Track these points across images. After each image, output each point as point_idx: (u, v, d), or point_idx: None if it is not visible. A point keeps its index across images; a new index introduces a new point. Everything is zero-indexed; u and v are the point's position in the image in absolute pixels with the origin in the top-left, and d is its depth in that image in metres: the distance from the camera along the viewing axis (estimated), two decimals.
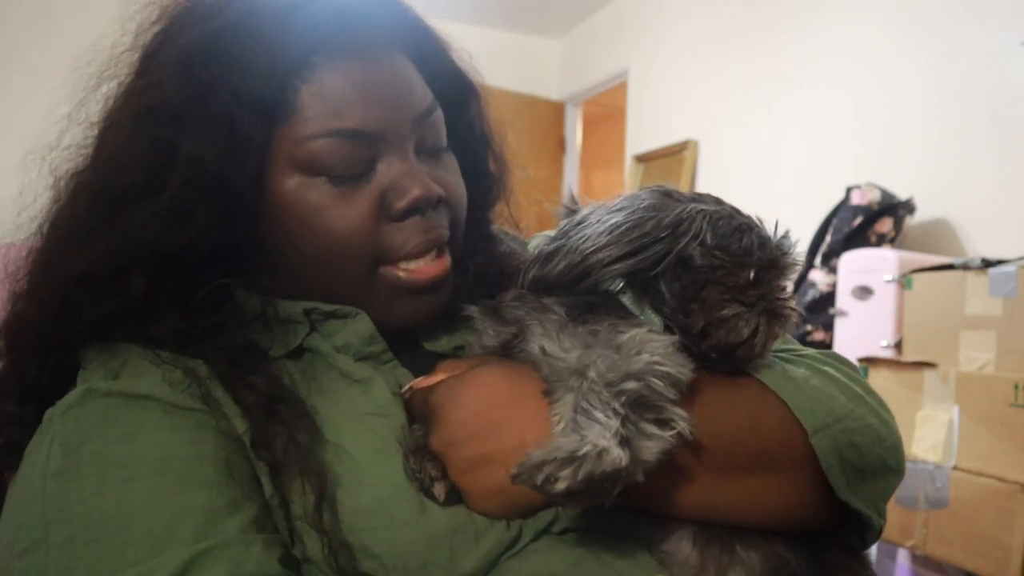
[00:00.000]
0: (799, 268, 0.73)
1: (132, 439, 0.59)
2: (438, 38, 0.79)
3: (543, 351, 0.63)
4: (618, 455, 0.53)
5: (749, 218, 0.70)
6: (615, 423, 0.54)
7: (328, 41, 0.67)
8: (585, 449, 0.53)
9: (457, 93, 0.80)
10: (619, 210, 0.67)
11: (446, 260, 0.72)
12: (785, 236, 0.71)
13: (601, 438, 0.54)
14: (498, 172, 0.86)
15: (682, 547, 0.63)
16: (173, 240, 0.65)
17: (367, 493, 0.61)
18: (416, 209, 0.69)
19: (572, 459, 0.53)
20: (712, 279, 0.66)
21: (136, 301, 0.66)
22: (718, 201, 0.70)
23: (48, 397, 0.65)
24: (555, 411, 0.59)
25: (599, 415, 0.55)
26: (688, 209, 0.67)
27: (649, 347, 0.60)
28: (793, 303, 0.70)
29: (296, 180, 0.67)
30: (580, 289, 0.66)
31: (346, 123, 0.67)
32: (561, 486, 0.53)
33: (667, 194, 0.68)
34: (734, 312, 0.66)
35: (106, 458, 0.58)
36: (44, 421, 0.62)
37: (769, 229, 0.70)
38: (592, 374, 0.57)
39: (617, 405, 0.55)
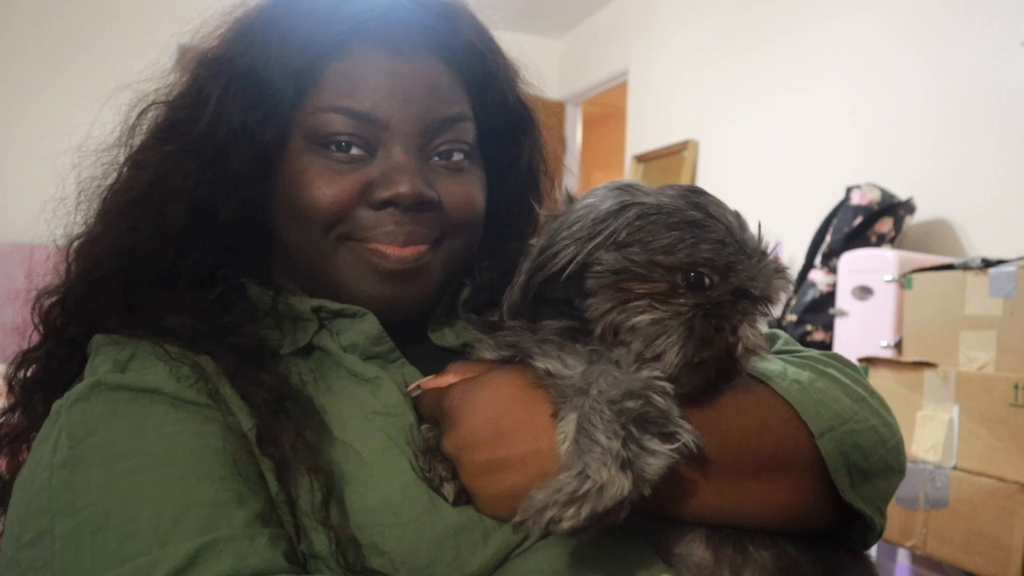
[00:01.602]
0: (781, 277, 0.63)
1: (139, 432, 0.60)
2: (497, 66, 0.79)
3: (548, 372, 0.63)
4: (619, 486, 0.53)
5: (715, 214, 0.62)
6: (616, 445, 0.54)
7: (368, 31, 0.70)
8: (586, 487, 0.53)
9: (509, 123, 0.80)
10: (569, 213, 0.65)
11: (416, 250, 0.71)
12: (760, 237, 0.62)
13: (602, 467, 0.53)
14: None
15: (695, 549, 0.63)
16: (202, 179, 0.69)
17: (375, 491, 0.62)
18: (394, 203, 0.69)
19: (573, 499, 0.53)
20: (610, 283, 0.62)
21: (173, 232, 0.69)
22: (686, 193, 0.64)
23: (56, 386, 0.66)
24: (560, 429, 0.59)
25: (600, 436, 0.55)
26: (609, 206, 0.62)
27: (649, 363, 0.59)
28: (747, 325, 0.60)
29: (301, 145, 0.71)
30: (535, 301, 0.66)
31: (356, 104, 0.69)
32: (566, 525, 0.53)
33: (621, 189, 0.64)
34: (651, 318, 0.60)
35: (112, 450, 0.58)
36: (52, 412, 0.63)
37: (748, 228, 0.63)
38: (594, 392, 0.58)
39: (618, 426, 0.55)
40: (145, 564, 0.53)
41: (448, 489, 0.63)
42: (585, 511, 0.52)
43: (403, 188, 0.69)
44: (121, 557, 0.53)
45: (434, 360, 0.73)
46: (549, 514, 0.53)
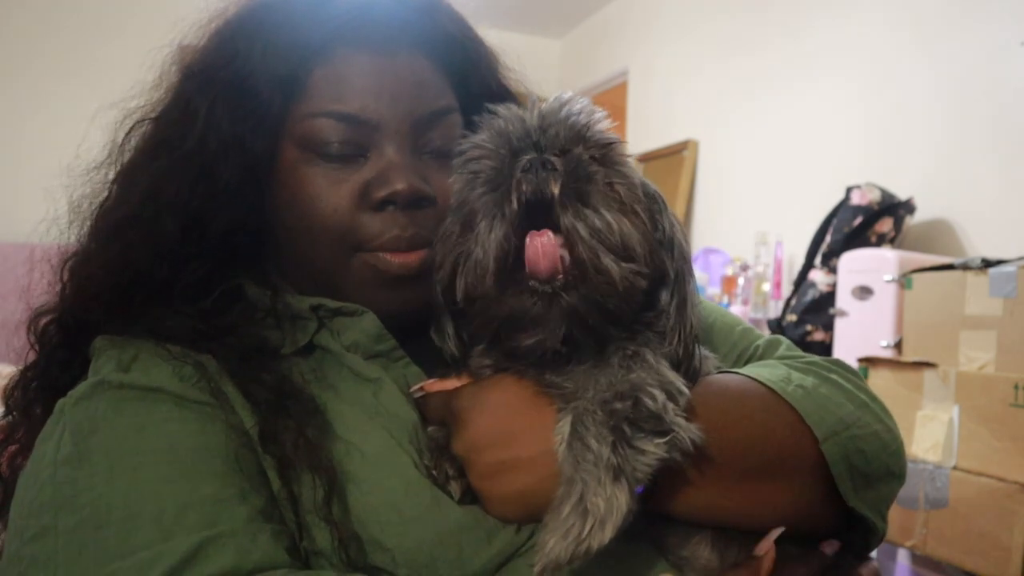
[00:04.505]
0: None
1: (142, 429, 0.60)
2: (478, 55, 0.79)
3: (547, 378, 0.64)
4: (617, 510, 0.54)
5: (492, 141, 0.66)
6: (606, 450, 0.55)
7: (350, 32, 0.71)
8: (588, 526, 0.54)
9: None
10: None
11: (419, 255, 0.71)
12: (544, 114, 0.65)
13: (598, 490, 0.54)
14: None
15: (701, 551, 0.64)
16: (194, 192, 0.69)
17: (378, 489, 0.62)
18: (392, 201, 0.70)
19: (581, 541, 0.54)
20: None
21: (167, 247, 0.69)
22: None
23: (57, 390, 0.66)
24: (557, 431, 0.60)
25: (591, 440, 0.56)
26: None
27: (638, 364, 0.61)
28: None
29: (295, 154, 0.71)
30: None
31: (345, 107, 0.69)
32: (581, 561, 0.54)
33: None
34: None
35: (116, 447, 0.58)
36: (55, 411, 0.63)
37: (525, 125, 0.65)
38: (589, 393, 0.59)
39: (607, 428, 0.56)
40: (148, 558, 0.53)
41: (454, 487, 0.64)
42: (595, 545, 0.54)
43: (399, 185, 0.69)
44: (124, 551, 0.53)
45: (437, 357, 0.73)
46: (563, 559, 0.54)
